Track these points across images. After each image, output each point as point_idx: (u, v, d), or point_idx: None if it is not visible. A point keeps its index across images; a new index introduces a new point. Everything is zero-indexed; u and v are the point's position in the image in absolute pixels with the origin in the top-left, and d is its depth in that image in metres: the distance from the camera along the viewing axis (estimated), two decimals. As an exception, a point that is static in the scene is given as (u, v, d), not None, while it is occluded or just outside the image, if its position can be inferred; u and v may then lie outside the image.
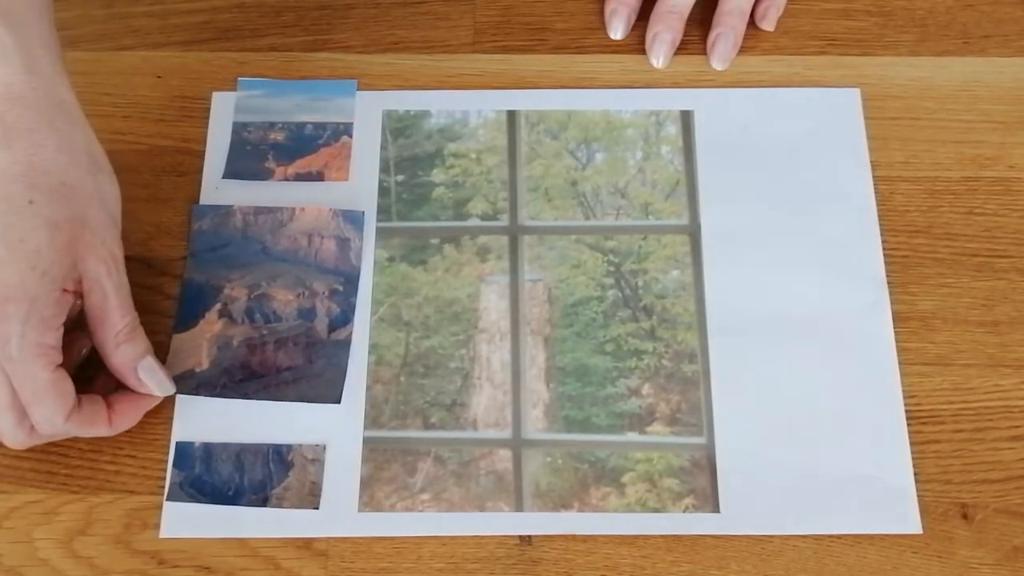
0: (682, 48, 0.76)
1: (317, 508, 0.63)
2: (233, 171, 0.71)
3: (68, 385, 0.60)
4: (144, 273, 0.69)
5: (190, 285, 0.67)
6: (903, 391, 0.65)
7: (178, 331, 0.66)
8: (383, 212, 0.70)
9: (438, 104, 0.74)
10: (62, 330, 0.60)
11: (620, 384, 0.66)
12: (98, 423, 0.62)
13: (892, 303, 0.68)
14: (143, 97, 0.74)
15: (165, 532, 0.62)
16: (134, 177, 0.72)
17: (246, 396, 0.65)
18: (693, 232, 0.70)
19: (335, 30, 0.77)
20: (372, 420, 0.65)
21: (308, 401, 0.64)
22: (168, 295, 0.68)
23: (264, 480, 0.63)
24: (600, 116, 0.73)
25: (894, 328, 0.67)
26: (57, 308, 0.59)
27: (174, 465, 0.64)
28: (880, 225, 0.70)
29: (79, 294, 0.60)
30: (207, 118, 0.73)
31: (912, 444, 0.64)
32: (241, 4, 0.78)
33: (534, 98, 0.74)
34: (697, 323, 0.67)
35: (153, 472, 0.64)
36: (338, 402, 0.65)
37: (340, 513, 0.63)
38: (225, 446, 0.64)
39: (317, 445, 0.64)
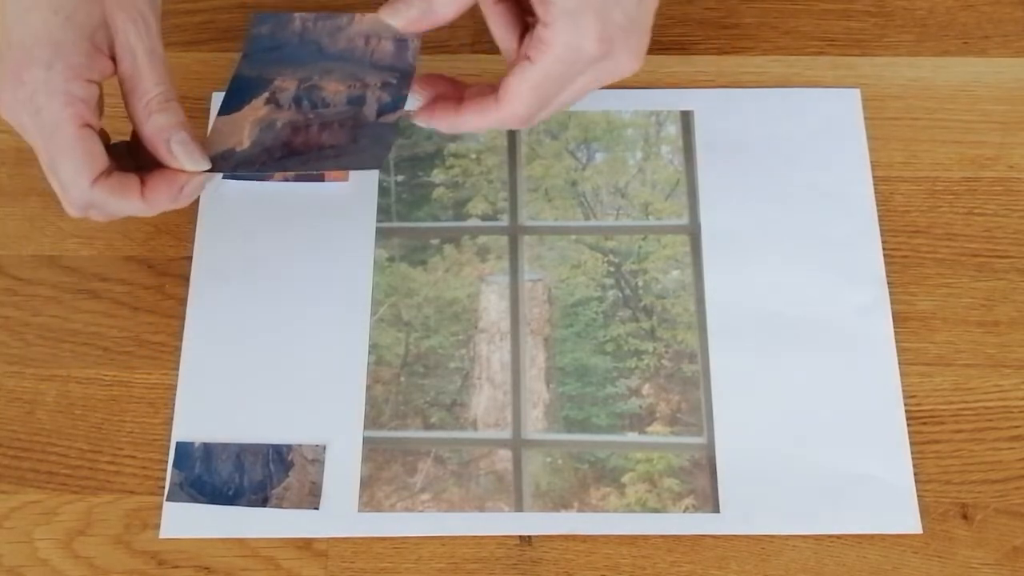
0: (682, 48, 0.75)
1: (317, 508, 0.63)
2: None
3: (97, 146, 0.58)
4: (144, 273, 0.69)
5: (239, 79, 0.64)
6: (903, 391, 0.65)
7: (221, 115, 0.63)
8: (383, 212, 0.70)
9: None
10: (95, 89, 0.58)
11: (620, 384, 0.66)
12: (130, 194, 0.60)
13: (892, 303, 0.68)
14: (143, 97, 0.74)
15: (165, 532, 0.62)
16: (134, 177, 0.72)
17: (284, 169, 0.63)
18: (693, 232, 0.70)
19: (335, 30, 0.77)
20: (372, 420, 0.65)
21: (346, 168, 0.63)
22: (169, 295, 0.68)
23: (264, 480, 0.63)
24: (600, 116, 0.73)
25: (894, 328, 0.67)
26: (86, 59, 0.57)
27: (174, 465, 0.64)
28: (880, 225, 0.70)
29: (113, 59, 0.59)
30: (207, 118, 0.73)
31: (912, 444, 0.64)
32: (241, 4, 0.78)
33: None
34: (697, 323, 0.67)
35: (153, 472, 0.64)
36: (379, 167, 0.64)
37: (340, 513, 0.63)
38: (225, 446, 0.64)
39: (317, 445, 0.64)
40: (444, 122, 0.62)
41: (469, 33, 0.77)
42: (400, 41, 0.64)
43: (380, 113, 0.62)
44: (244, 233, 0.69)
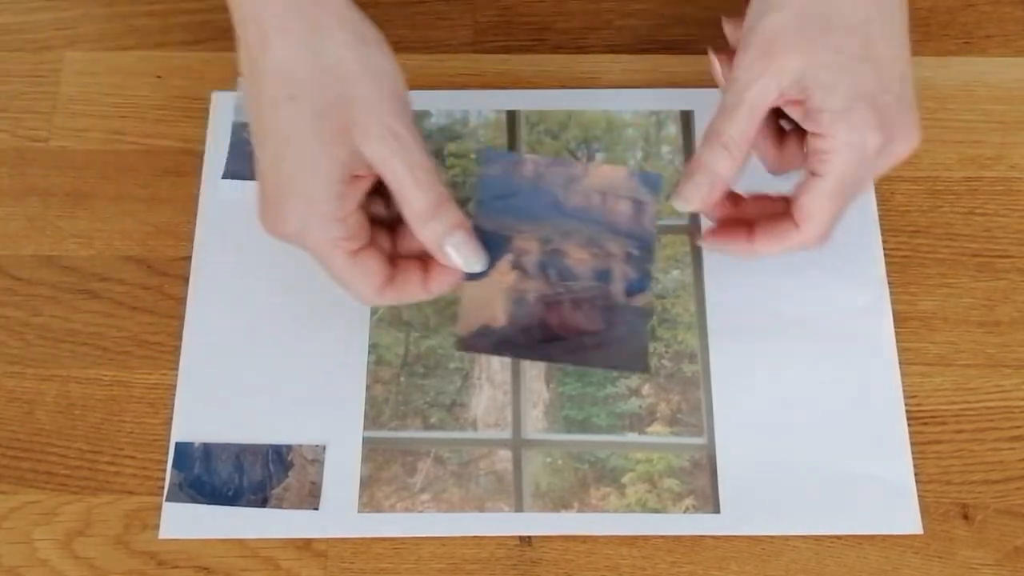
0: (682, 48, 0.76)
1: (317, 508, 0.63)
2: (233, 171, 0.71)
3: (372, 264, 0.58)
4: (144, 273, 0.69)
5: (478, 233, 0.62)
6: (904, 391, 0.65)
7: (469, 278, 0.62)
8: (383, 212, 0.70)
9: (438, 104, 0.74)
10: (357, 215, 0.57)
11: (620, 384, 0.66)
12: (413, 292, 0.60)
13: (892, 303, 0.68)
14: (143, 97, 0.74)
15: (164, 533, 0.62)
16: (134, 177, 0.72)
17: (549, 359, 0.63)
18: (693, 232, 0.70)
19: (335, 30, 0.77)
20: (372, 420, 0.65)
21: (614, 369, 0.64)
22: (169, 295, 0.68)
23: (264, 480, 0.63)
24: (600, 116, 0.73)
25: (895, 328, 0.67)
26: (340, 201, 0.56)
27: (174, 466, 0.64)
28: (880, 225, 0.70)
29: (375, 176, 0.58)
30: (207, 118, 0.73)
31: (913, 444, 0.64)
32: (241, 4, 0.77)
33: (534, 98, 0.74)
34: (697, 323, 0.67)
35: (153, 473, 0.64)
36: (646, 371, 0.64)
37: (340, 513, 0.63)
38: (225, 446, 0.64)
39: (317, 445, 0.64)
40: (736, 251, 0.62)
41: (469, 33, 0.77)
42: (637, 202, 0.64)
43: (628, 293, 0.63)
44: (243, 233, 0.69)
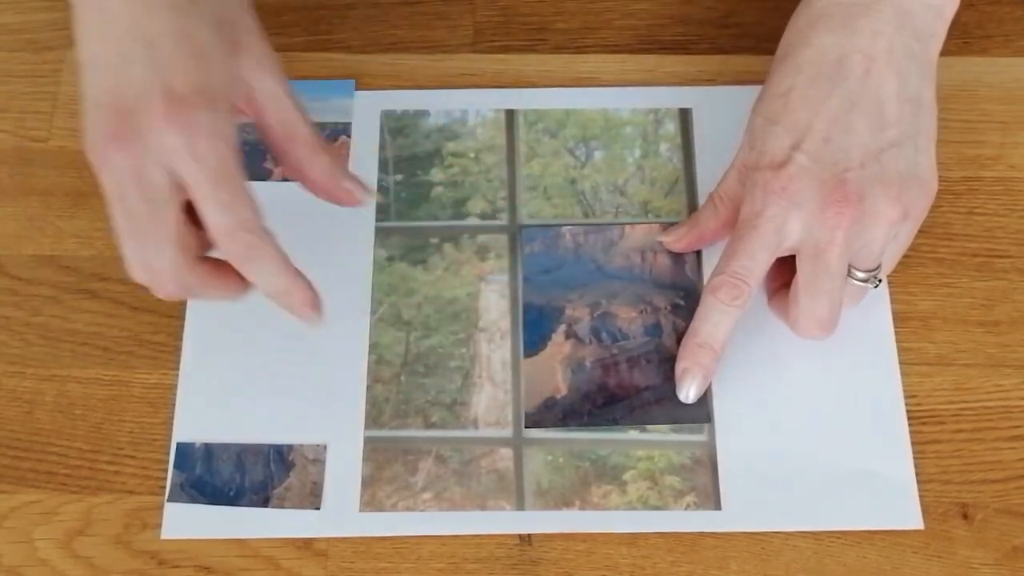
0: (681, 48, 0.76)
1: (318, 508, 0.63)
2: None
3: (197, 237, 0.56)
4: (144, 273, 0.69)
5: (530, 309, 0.67)
6: (904, 391, 0.65)
7: (527, 355, 0.66)
8: (382, 212, 0.70)
9: (436, 104, 0.74)
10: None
11: (620, 384, 0.66)
12: (227, 280, 0.58)
13: (892, 303, 0.68)
14: (143, 97, 0.74)
15: (166, 533, 0.62)
16: (134, 177, 0.72)
17: (615, 423, 0.64)
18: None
19: (335, 30, 0.77)
20: (373, 420, 0.65)
21: (678, 422, 0.64)
22: (168, 295, 0.68)
23: (265, 480, 0.63)
24: (599, 114, 0.73)
25: (895, 328, 0.67)
26: (231, 110, 0.56)
27: (175, 466, 0.64)
28: (880, 224, 0.70)
29: (247, 112, 0.58)
30: (206, 118, 0.73)
31: (912, 444, 0.64)
32: (240, 4, 0.77)
33: (532, 97, 0.74)
34: (698, 322, 0.67)
35: (153, 472, 0.64)
36: (709, 421, 0.64)
37: (341, 513, 0.63)
38: (226, 446, 0.64)
39: (318, 445, 0.64)
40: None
41: (469, 33, 0.77)
42: (675, 254, 0.67)
43: (681, 343, 0.65)
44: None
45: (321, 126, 0.73)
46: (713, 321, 0.63)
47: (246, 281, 0.59)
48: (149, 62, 0.54)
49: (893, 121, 0.61)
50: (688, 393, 0.64)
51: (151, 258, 0.56)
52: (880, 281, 0.63)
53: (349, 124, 0.73)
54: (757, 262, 0.61)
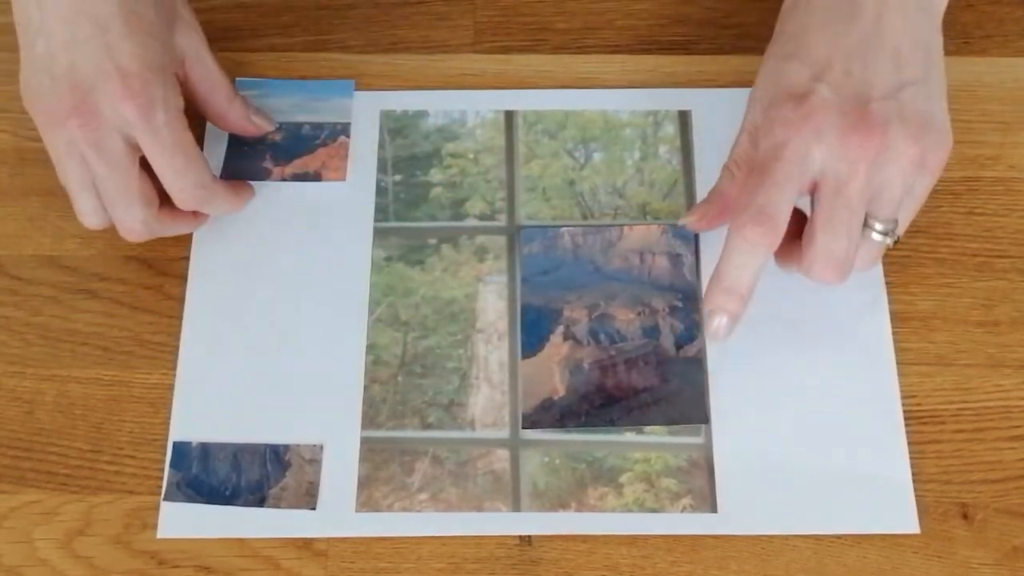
0: (681, 48, 0.75)
1: (314, 508, 0.63)
2: (231, 171, 0.71)
3: (152, 184, 0.65)
4: (145, 273, 0.69)
5: (528, 310, 0.67)
6: (903, 391, 0.65)
7: (525, 356, 0.66)
8: (380, 212, 0.70)
9: (435, 104, 0.74)
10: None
11: (618, 384, 0.66)
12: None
13: (892, 303, 0.68)
14: (143, 98, 0.74)
15: (162, 532, 0.62)
16: (134, 177, 0.72)
17: (612, 423, 0.64)
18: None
19: (335, 30, 0.77)
20: (369, 420, 0.65)
21: (676, 423, 0.64)
22: (168, 295, 0.69)
23: (261, 480, 0.63)
24: (598, 116, 0.73)
25: (894, 328, 0.67)
26: (176, 80, 0.64)
27: (171, 465, 0.64)
28: (880, 225, 0.70)
29: (180, 77, 0.66)
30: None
31: (912, 444, 0.64)
32: (241, 4, 0.78)
33: (532, 98, 0.74)
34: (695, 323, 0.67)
35: (152, 472, 0.64)
36: (706, 422, 0.64)
37: (337, 513, 0.63)
38: (222, 446, 0.64)
39: (314, 445, 0.64)
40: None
41: (469, 33, 0.77)
42: (674, 256, 0.67)
43: (678, 345, 0.66)
44: (241, 232, 0.69)
45: (320, 126, 0.73)
46: (737, 263, 0.60)
47: (201, 215, 0.68)
48: (102, 42, 0.61)
49: (909, 62, 0.61)
50: (718, 333, 0.62)
51: (121, 214, 0.64)
52: (898, 238, 0.62)
53: (348, 124, 0.73)
54: (784, 194, 0.59)
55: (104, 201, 0.64)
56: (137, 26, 0.62)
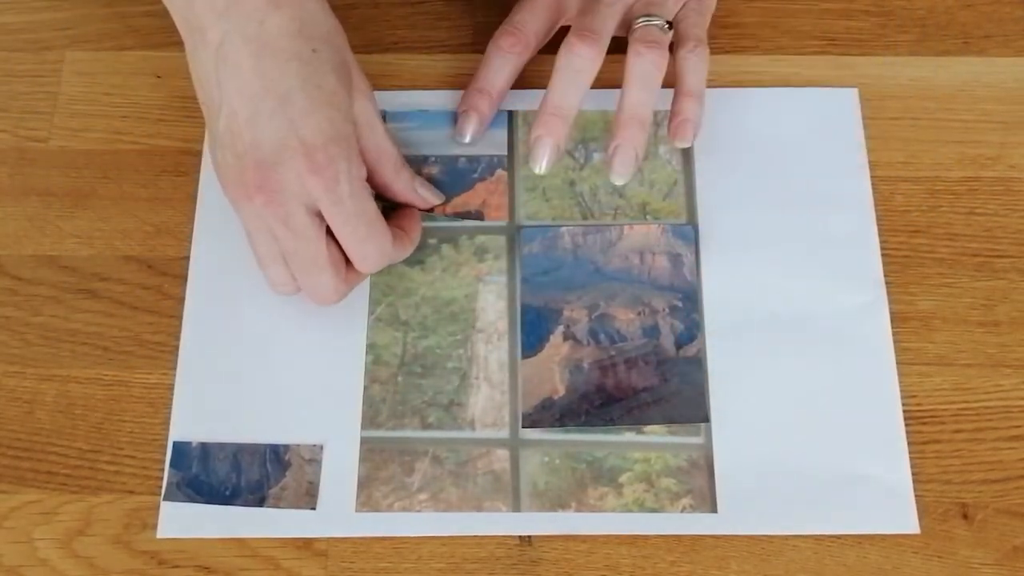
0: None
1: (314, 508, 0.63)
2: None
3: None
4: (145, 273, 0.69)
5: (528, 310, 0.67)
6: (903, 391, 0.65)
7: (525, 356, 0.66)
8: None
9: (435, 104, 0.74)
10: None
11: (618, 384, 0.66)
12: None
13: (892, 303, 0.68)
14: (143, 97, 0.74)
15: (162, 532, 0.62)
16: (134, 177, 0.72)
17: (611, 423, 0.64)
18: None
19: (335, 30, 0.77)
20: (369, 420, 0.65)
21: (675, 422, 0.64)
22: (168, 295, 0.69)
23: (261, 480, 0.63)
24: (598, 116, 0.73)
25: (894, 328, 0.67)
26: (357, 149, 0.63)
27: (171, 465, 0.64)
28: (880, 225, 0.70)
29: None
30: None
31: (912, 444, 0.64)
32: (241, 5, 0.78)
33: (532, 98, 0.73)
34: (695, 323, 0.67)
35: (152, 472, 0.64)
36: (707, 421, 0.64)
37: (337, 513, 0.63)
38: (222, 446, 0.64)
39: (314, 445, 0.64)
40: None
41: (469, 33, 0.77)
42: (674, 255, 0.67)
43: (679, 345, 0.66)
44: (241, 232, 0.69)
45: (477, 159, 0.72)
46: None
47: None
48: (285, 118, 0.59)
49: None
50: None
51: (311, 282, 0.64)
52: (670, 26, 0.69)
53: (504, 156, 0.72)
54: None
55: (293, 270, 0.64)
56: (319, 98, 0.60)
